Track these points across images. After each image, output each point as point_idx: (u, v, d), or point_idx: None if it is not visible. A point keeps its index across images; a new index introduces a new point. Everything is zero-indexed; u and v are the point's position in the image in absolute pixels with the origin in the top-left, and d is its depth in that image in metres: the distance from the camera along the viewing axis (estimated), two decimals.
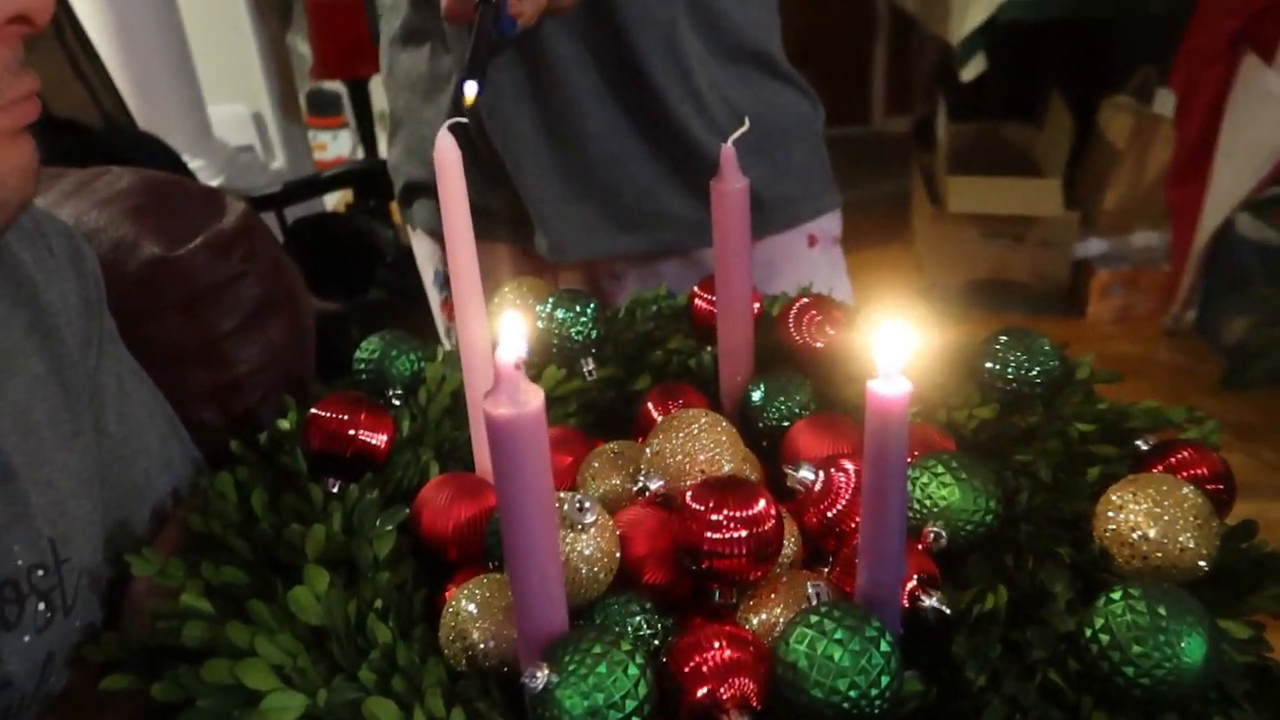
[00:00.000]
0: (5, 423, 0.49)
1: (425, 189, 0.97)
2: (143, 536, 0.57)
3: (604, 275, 0.94)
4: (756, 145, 0.85)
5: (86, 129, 1.50)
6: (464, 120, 0.50)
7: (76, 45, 1.61)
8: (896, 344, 0.38)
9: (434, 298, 1.07)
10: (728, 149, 0.56)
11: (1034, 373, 0.59)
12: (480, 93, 0.58)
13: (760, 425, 0.60)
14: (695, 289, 0.68)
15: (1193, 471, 0.51)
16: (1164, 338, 2.43)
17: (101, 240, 0.64)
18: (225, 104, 2.67)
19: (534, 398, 0.37)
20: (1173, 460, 0.52)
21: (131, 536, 0.56)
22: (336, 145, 3.17)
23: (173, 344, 0.65)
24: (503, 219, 0.93)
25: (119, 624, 0.53)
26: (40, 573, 0.49)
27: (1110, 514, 0.47)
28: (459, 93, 0.68)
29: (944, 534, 0.48)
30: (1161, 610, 0.39)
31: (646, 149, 0.88)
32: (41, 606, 0.49)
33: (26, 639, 0.48)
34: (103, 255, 0.58)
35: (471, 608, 0.45)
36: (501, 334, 0.37)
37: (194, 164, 1.98)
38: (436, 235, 1.00)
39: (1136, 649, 0.39)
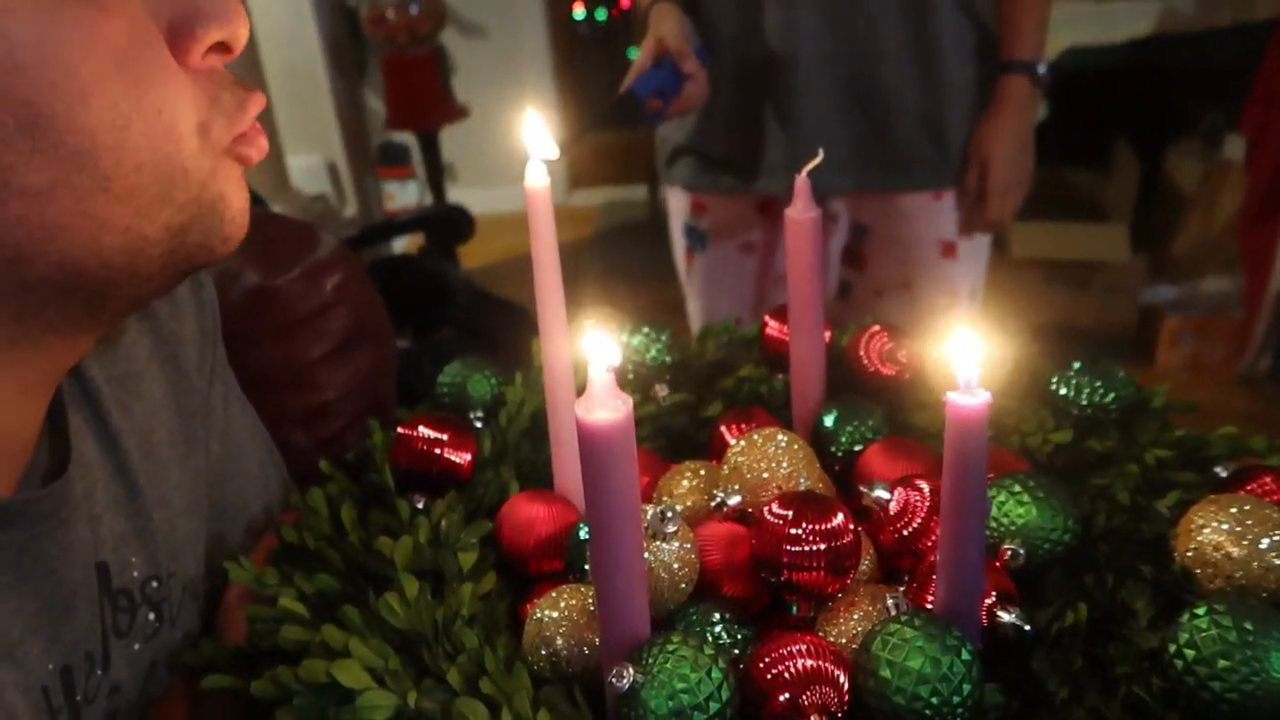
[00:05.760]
0: (131, 442, 0.52)
1: (686, 150, 1.21)
2: (237, 551, 0.59)
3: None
4: None
5: None
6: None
7: None
8: (973, 354, 0.39)
9: (679, 247, 1.31)
10: (801, 179, 0.57)
11: (1109, 398, 0.59)
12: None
13: (833, 450, 0.60)
14: (766, 317, 0.69)
15: (1276, 499, 0.51)
16: (1238, 385, 2.37)
17: (210, 269, 0.67)
18: (302, 155, 2.78)
19: (625, 404, 0.38)
20: (1253, 486, 0.52)
21: (226, 551, 0.59)
22: (404, 194, 3.26)
23: (268, 368, 0.68)
24: (734, 165, 1.17)
25: (212, 631, 0.56)
26: (154, 584, 0.52)
27: (1192, 533, 0.47)
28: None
29: (1022, 552, 0.48)
30: (1248, 625, 0.39)
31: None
32: (151, 616, 0.52)
33: (136, 646, 0.51)
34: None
35: (555, 615, 0.46)
36: (593, 346, 0.39)
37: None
38: (691, 189, 1.23)
39: (1223, 663, 0.39)
